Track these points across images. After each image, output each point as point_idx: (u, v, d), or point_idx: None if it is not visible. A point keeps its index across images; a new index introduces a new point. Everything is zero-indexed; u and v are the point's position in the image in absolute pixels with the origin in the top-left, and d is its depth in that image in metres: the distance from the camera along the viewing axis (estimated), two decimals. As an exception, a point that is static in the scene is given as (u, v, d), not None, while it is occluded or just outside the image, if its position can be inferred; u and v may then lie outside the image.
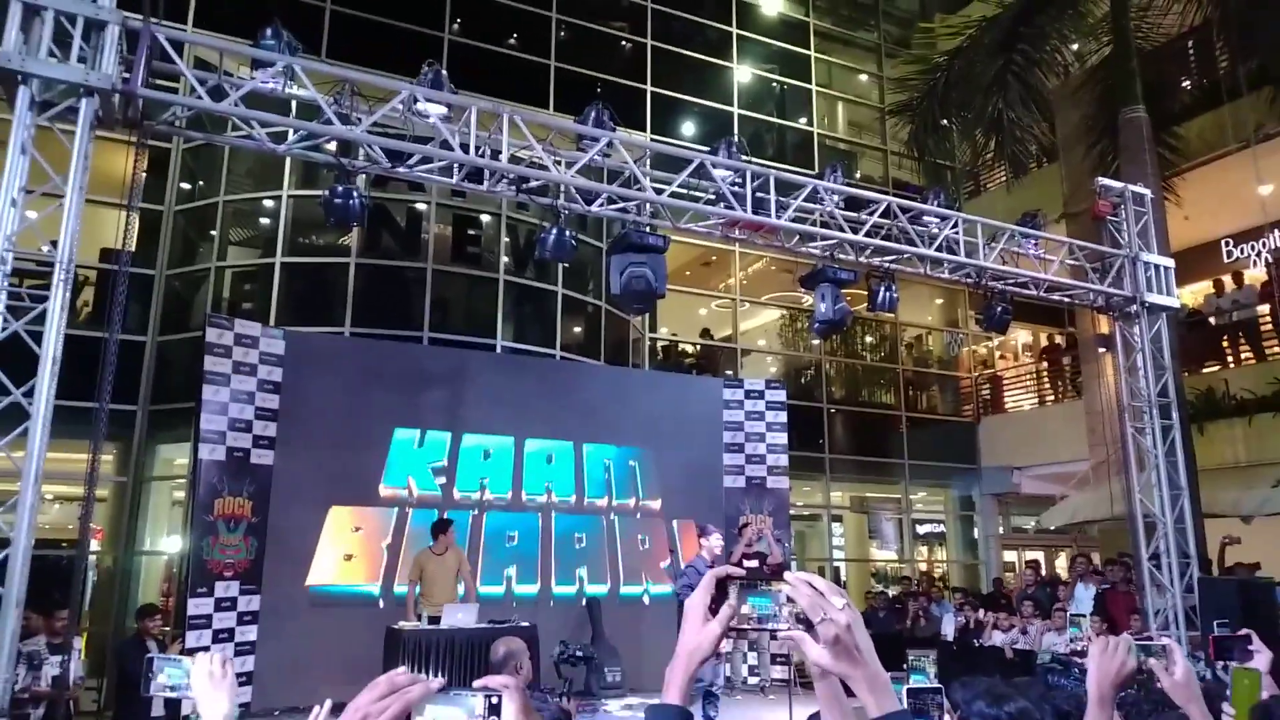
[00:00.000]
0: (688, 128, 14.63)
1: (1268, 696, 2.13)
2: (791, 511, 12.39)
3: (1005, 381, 16.82)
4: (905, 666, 3.66)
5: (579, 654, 8.88)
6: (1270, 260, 13.20)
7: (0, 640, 4.72)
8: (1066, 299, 9.33)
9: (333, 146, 6.63)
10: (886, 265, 8.36)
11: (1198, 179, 12.38)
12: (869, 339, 16.35)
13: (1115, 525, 10.96)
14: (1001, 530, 16.40)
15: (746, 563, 8.54)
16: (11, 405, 4.99)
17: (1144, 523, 8.79)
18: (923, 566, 16.18)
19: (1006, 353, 17.65)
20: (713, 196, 7.60)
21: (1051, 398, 15.85)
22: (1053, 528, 14.70)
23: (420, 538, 9.11)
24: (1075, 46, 13.02)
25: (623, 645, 9.65)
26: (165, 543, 10.96)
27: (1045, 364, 16.33)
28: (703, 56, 15.03)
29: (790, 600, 1.20)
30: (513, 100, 7.96)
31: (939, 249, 8.22)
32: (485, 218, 11.72)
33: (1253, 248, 13.56)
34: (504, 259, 11.51)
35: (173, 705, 6.44)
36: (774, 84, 16.10)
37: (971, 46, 12.45)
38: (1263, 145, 11.62)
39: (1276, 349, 12.28)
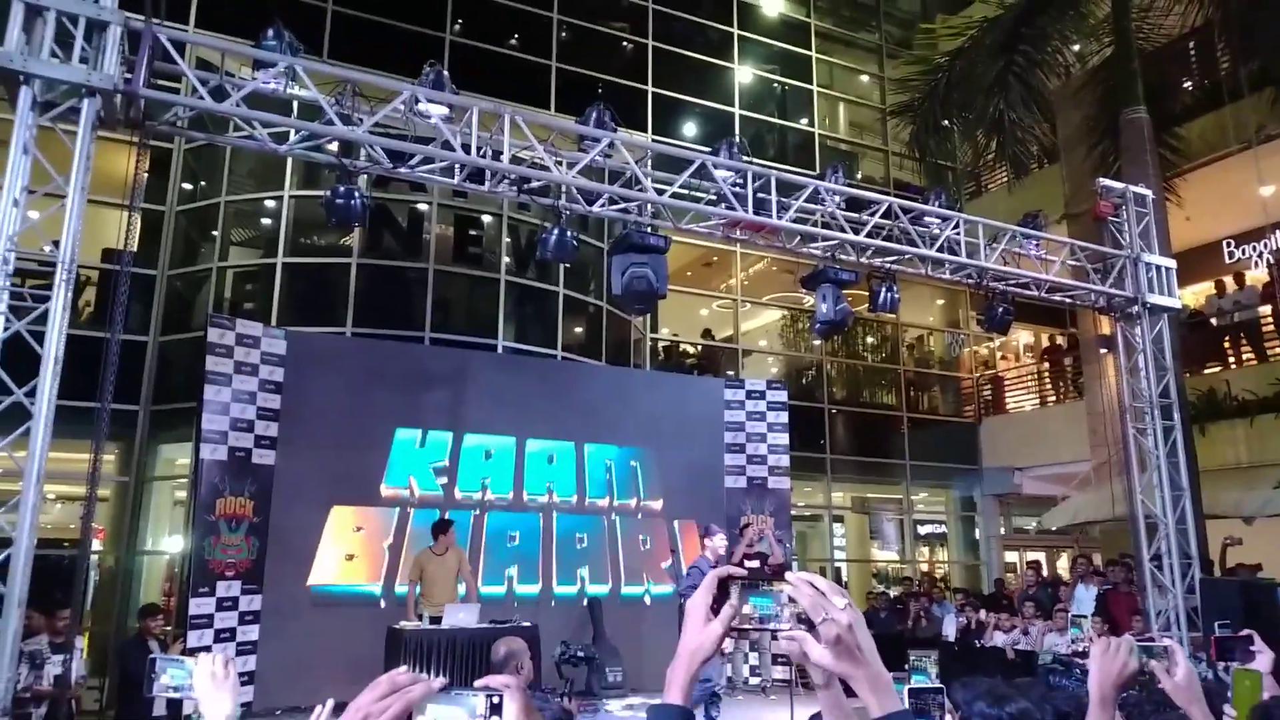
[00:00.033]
0: (689, 128, 14.64)
1: (1269, 697, 2.13)
2: (793, 512, 12.39)
3: (1006, 382, 16.82)
4: (907, 667, 3.65)
5: (580, 654, 8.89)
6: (1271, 261, 13.20)
7: (2, 639, 4.73)
8: (1068, 300, 9.33)
9: (334, 147, 6.64)
10: (888, 266, 8.36)
11: (1199, 180, 12.37)
12: (870, 339, 16.33)
13: (1117, 526, 10.96)
14: (1003, 531, 16.40)
15: (748, 563, 8.53)
16: (13, 405, 5.00)
17: (1145, 524, 8.79)
18: (924, 567, 16.18)
19: (1008, 353, 17.64)
20: (714, 197, 7.59)
21: (1053, 398, 15.85)
22: (1054, 528, 14.67)
23: (422, 538, 9.10)
24: (1077, 47, 13.02)
25: (624, 645, 9.65)
26: (167, 542, 10.98)
27: (1047, 365, 16.32)
28: (704, 57, 15.03)
29: (792, 600, 1.20)
30: (514, 101, 7.97)
31: (940, 250, 8.22)
32: (487, 218, 11.72)
33: (1254, 248, 13.56)
34: (505, 259, 11.51)
35: (175, 705, 6.46)
36: (775, 85, 16.10)
37: (973, 47, 12.44)
38: (1264, 146, 11.62)
39: (1278, 350, 12.27)
